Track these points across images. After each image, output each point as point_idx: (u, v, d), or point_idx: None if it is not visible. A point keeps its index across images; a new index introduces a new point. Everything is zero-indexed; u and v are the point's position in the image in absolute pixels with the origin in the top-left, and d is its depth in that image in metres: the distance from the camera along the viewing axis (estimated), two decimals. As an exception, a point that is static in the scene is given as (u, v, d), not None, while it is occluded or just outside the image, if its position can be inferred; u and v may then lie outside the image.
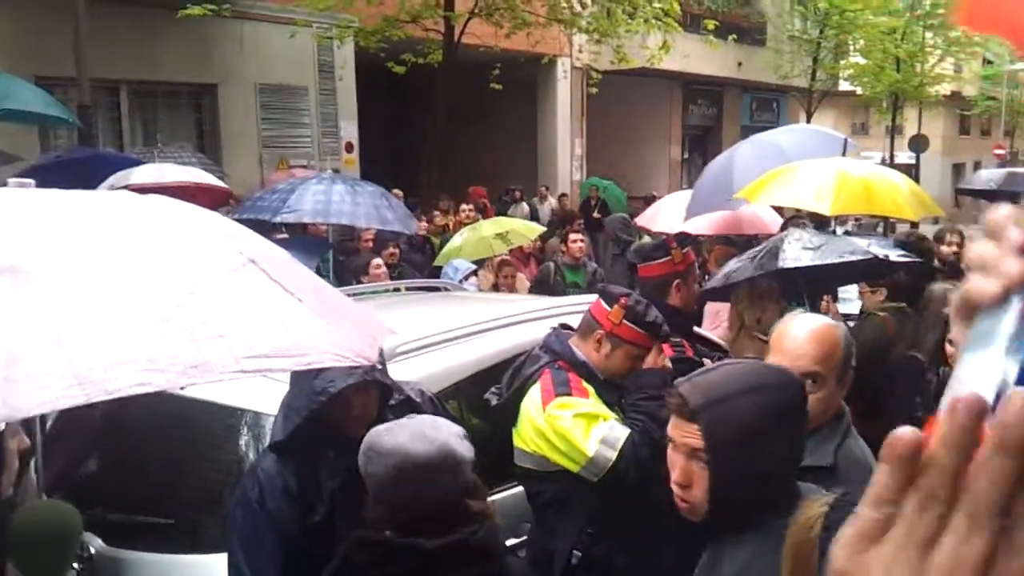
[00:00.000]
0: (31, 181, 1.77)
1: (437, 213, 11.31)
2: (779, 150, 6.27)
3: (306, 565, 2.29)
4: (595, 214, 15.38)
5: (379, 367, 2.41)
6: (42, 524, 1.70)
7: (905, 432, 0.47)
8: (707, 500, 1.71)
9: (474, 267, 7.62)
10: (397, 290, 5.72)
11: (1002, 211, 0.52)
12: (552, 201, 16.14)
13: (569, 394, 2.82)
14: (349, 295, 3.40)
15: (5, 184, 1.80)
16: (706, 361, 3.69)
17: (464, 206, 11.17)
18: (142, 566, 2.76)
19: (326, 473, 2.36)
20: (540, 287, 7.87)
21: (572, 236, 8.36)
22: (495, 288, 7.97)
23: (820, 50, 21.28)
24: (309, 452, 2.33)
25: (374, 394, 2.45)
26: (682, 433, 1.74)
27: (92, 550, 2.78)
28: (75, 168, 7.51)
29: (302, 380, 2.34)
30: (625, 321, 2.92)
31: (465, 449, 2.03)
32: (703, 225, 6.18)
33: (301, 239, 7.82)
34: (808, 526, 1.36)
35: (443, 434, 2.01)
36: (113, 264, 1.53)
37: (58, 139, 10.85)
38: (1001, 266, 0.50)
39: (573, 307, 3.92)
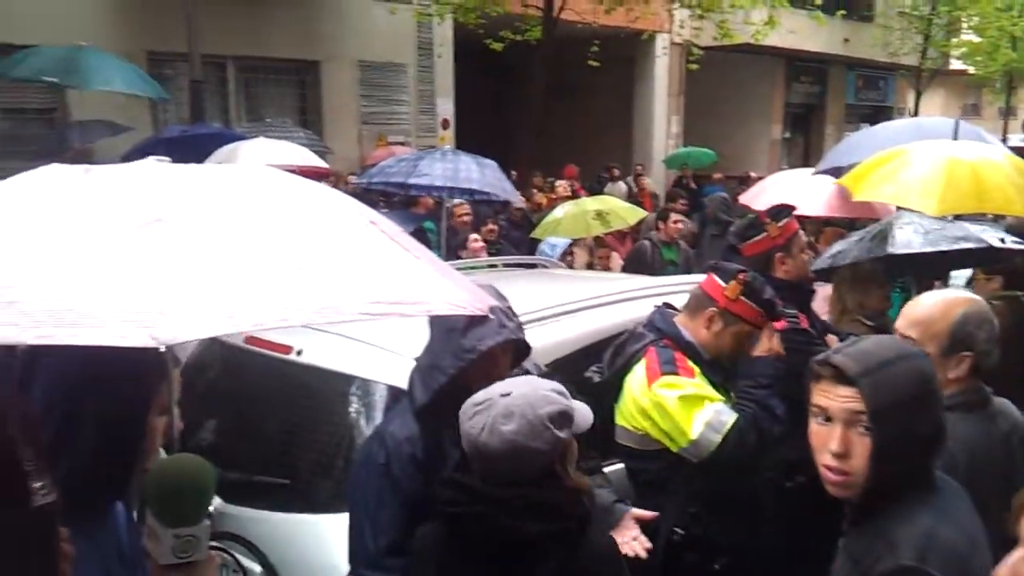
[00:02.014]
0: (167, 158, 1.87)
1: (534, 190, 11.35)
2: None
3: None
4: (692, 185, 15.12)
5: (521, 327, 2.45)
6: (179, 475, 1.80)
7: None
8: (867, 469, 1.67)
9: (569, 243, 7.61)
10: (493, 266, 5.77)
11: None
12: (649, 181, 15.91)
13: (676, 373, 2.82)
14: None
15: (142, 156, 1.90)
16: (830, 338, 3.64)
17: (560, 182, 11.19)
18: (259, 523, 2.90)
19: (450, 441, 2.40)
20: (635, 265, 7.82)
21: (673, 216, 8.28)
22: (589, 267, 7.97)
23: (931, 27, 20.39)
24: (442, 417, 2.35)
25: (510, 355, 2.49)
26: (840, 398, 1.70)
27: (212, 507, 2.94)
28: (198, 141, 7.82)
29: (447, 340, 2.36)
30: (741, 297, 2.90)
31: (543, 440, 2.02)
32: (817, 206, 6.02)
33: (400, 213, 7.96)
34: None
35: (514, 425, 2.00)
36: (251, 221, 1.64)
37: (166, 112, 11.28)
38: None
39: (673, 287, 3.91)
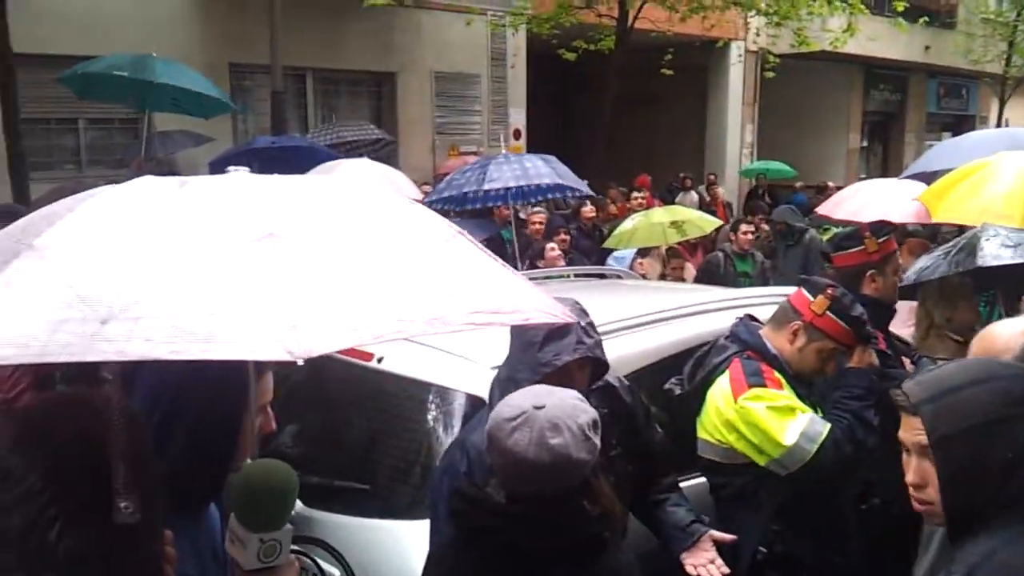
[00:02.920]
0: (246, 168, 1.91)
1: (609, 201, 11.30)
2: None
3: None
4: (766, 199, 14.94)
5: (600, 345, 2.46)
6: (264, 480, 1.84)
7: None
8: (940, 499, 1.64)
9: (633, 254, 7.55)
10: (566, 276, 5.76)
11: None
12: (721, 191, 15.75)
13: (763, 385, 2.77)
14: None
15: (224, 169, 1.93)
16: (904, 360, 3.57)
17: (635, 193, 11.14)
18: (338, 527, 2.94)
19: None
20: (708, 276, 7.75)
21: (743, 227, 8.19)
22: (662, 277, 7.91)
23: (1016, 34, 19.75)
24: None
25: (587, 371, 2.49)
26: (909, 430, 1.68)
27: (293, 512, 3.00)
28: (287, 154, 7.95)
29: (525, 353, 2.39)
30: (829, 312, 2.85)
31: (587, 451, 2.02)
32: (898, 214, 5.86)
33: (473, 221, 7.99)
34: None
35: (563, 438, 1.99)
36: (356, 233, 1.67)
37: (245, 123, 11.57)
38: None
39: (753, 299, 3.86)
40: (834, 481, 2.70)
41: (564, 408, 2.01)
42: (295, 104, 12.03)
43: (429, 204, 6.64)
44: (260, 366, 1.80)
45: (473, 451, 2.41)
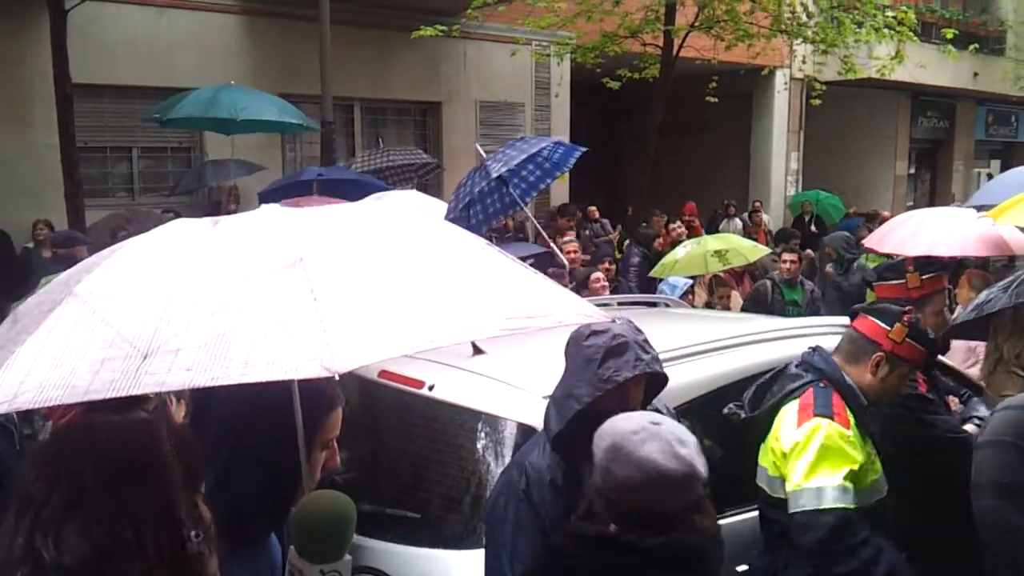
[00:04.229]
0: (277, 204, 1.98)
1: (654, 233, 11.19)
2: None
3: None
4: (811, 228, 14.83)
5: (657, 360, 2.47)
6: (324, 512, 1.85)
7: None
8: None
9: (691, 282, 7.52)
10: (610, 304, 5.73)
11: None
12: (765, 218, 15.65)
13: (831, 417, 2.70)
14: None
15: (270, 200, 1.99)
16: (950, 398, 3.48)
17: (673, 224, 11.09)
18: (391, 555, 2.94)
19: (588, 470, 2.41)
20: (756, 305, 7.67)
21: (785, 255, 8.12)
22: (708, 305, 7.86)
23: (1068, 59, 19.48)
24: (577, 447, 2.36)
25: (643, 388, 2.50)
26: None
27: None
28: (334, 187, 8.10)
29: (584, 370, 2.40)
30: (908, 339, 2.82)
31: (703, 466, 2.03)
32: (947, 246, 5.78)
33: (515, 245, 8.00)
34: None
35: (690, 450, 2.00)
36: (385, 253, 1.73)
37: (293, 151, 11.76)
38: None
39: (802, 329, 3.82)
40: (810, 561, 2.61)
41: (677, 425, 2.03)
42: (343, 133, 12.21)
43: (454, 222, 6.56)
44: (330, 401, 1.83)
45: (531, 469, 2.42)
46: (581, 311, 1.76)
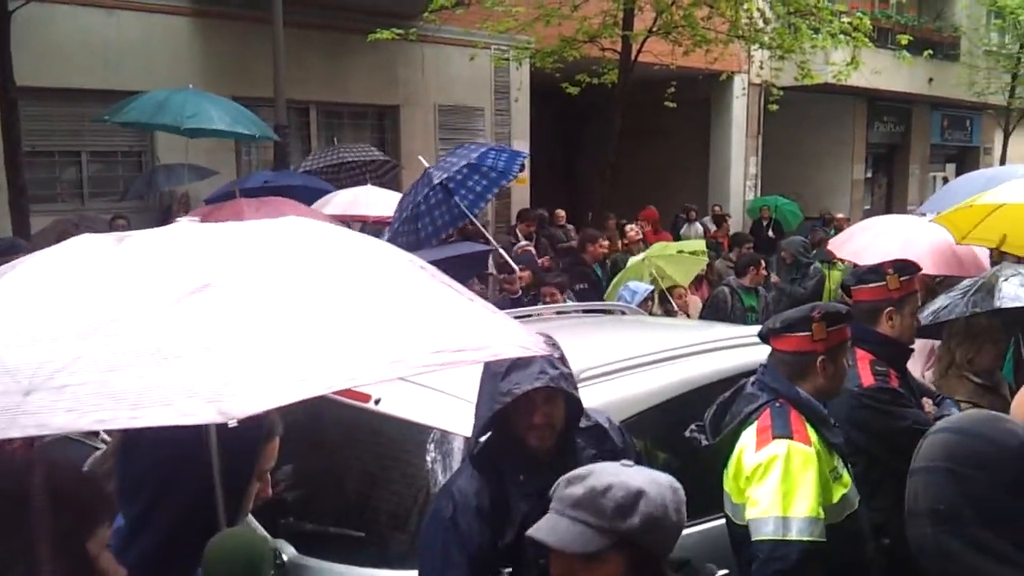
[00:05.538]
0: (197, 218, 1.86)
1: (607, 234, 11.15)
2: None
3: None
4: (769, 233, 14.92)
5: (568, 377, 2.38)
6: (236, 550, 1.74)
7: None
8: None
9: (651, 288, 7.46)
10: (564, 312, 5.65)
11: None
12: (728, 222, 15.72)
13: (789, 436, 2.64)
14: (517, 317, 3.34)
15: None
16: (924, 400, 3.47)
17: (629, 227, 11.05)
18: (333, 576, 2.85)
19: (516, 495, 2.34)
20: (715, 311, 7.65)
21: (753, 265, 8.08)
22: (666, 312, 7.82)
23: (1020, 66, 19.78)
24: (501, 472, 2.30)
25: (560, 406, 2.40)
26: None
27: (285, 557, 2.90)
28: (281, 193, 7.93)
29: (488, 384, 2.34)
30: (828, 329, 2.81)
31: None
32: (925, 262, 5.78)
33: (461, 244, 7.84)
34: None
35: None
36: (302, 278, 1.59)
37: (249, 155, 11.55)
38: None
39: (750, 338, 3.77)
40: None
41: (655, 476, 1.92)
42: (299, 137, 12.04)
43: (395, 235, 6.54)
44: (268, 432, 1.73)
45: (459, 495, 2.36)
46: (518, 342, 1.65)
